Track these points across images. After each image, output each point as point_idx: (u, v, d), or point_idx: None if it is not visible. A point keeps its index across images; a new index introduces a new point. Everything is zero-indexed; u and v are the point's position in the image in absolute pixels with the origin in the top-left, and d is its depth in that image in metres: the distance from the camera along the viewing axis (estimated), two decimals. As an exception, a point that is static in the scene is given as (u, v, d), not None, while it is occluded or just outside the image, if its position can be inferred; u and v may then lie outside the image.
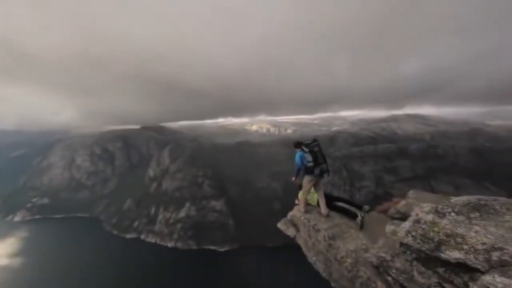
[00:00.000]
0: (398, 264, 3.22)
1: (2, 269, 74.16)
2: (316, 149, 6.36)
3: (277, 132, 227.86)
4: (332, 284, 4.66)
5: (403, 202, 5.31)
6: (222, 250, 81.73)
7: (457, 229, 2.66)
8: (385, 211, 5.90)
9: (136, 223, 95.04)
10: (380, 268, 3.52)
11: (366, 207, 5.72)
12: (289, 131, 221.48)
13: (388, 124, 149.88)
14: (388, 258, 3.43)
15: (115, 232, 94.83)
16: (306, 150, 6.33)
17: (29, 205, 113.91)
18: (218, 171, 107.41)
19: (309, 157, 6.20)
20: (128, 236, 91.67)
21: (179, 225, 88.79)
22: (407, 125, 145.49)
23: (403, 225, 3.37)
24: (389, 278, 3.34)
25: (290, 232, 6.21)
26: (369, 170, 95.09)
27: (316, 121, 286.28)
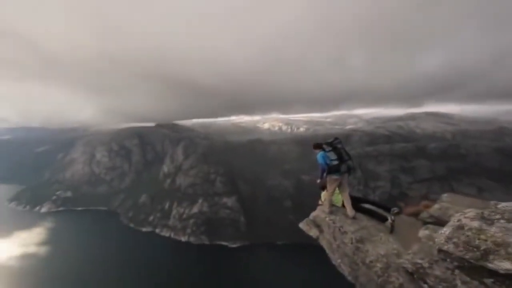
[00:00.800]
0: (437, 272, 3.03)
1: (31, 256, 79.58)
2: (339, 146, 6.25)
3: (289, 130, 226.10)
4: None
5: (436, 206, 5.04)
6: (233, 246, 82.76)
7: (509, 238, 2.45)
8: (414, 215, 5.64)
9: (151, 217, 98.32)
10: (415, 275, 3.34)
11: (395, 210, 5.51)
12: (301, 129, 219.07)
13: (406, 123, 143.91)
14: (426, 265, 3.24)
15: (131, 225, 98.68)
16: (329, 148, 6.22)
17: (54, 197, 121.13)
18: (230, 168, 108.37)
19: (332, 156, 6.07)
20: (144, 229, 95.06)
21: (192, 221, 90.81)
22: (426, 123, 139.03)
23: (442, 231, 3.17)
24: (425, 286, 3.14)
25: (313, 233, 6.02)
26: (384, 169, 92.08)
27: (329, 119, 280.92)
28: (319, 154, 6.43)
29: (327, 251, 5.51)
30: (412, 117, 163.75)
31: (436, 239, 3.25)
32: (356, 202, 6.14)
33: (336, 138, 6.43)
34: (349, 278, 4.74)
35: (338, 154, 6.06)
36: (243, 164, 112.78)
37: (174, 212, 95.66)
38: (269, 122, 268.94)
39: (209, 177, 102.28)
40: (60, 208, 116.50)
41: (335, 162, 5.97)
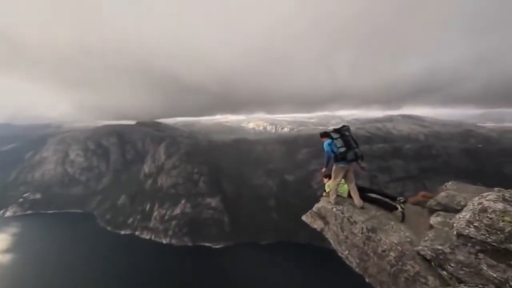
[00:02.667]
0: (460, 256, 3.01)
1: (-8, 264, 72.46)
2: (347, 133, 6.09)
3: (273, 130, 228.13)
4: (367, 279, 4.43)
5: (443, 194, 5.12)
6: (217, 247, 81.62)
7: (534, 219, 2.46)
8: (417, 203, 5.74)
9: (130, 219, 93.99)
10: (434, 262, 3.33)
11: (401, 198, 5.50)
12: (285, 129, 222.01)
13: (384, 124, 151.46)
14: (447, 250, 3.21)
15: (109, 228, 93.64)
16: (336, 136, 6.06)
17: (20, 200, 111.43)
18: (214, 168, 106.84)
19: (339, 143, 5.92)
20: (123, 232, 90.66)
21: (174, 222, 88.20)
22: (402, 125, 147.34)
23: (460, 215, 3.19)
24: (444, 273, 3.14)
25: (318, 225, 5.83)
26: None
27: (312, 120, 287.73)
28: (326, 142, 6.26)
29: (333, 243, 5.38)
30: (390, 119, 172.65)
31: (454, 224, 3.24)
32: (362, 192, 6.08)
33: (344, 126, 6.31)
34: (357, 269, 4.66)
35: (346, 141, 5.92)
36: (227, 163, 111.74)
37: (155, 213, 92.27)
38: (254, 121, 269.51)
39: (192, 177, 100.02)
40: (28, 212, 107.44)
41: (342, 150, 5.84)
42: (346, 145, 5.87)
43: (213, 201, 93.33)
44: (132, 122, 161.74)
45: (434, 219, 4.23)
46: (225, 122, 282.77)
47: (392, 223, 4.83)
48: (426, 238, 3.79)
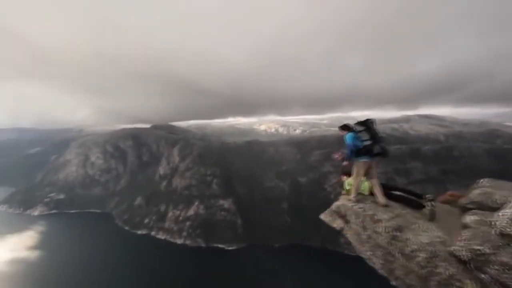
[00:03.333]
0: (504, 258, 2.81)
1: (20, 261, 77.09)
2: (373, 126, 5.78)
3: (285, 132, 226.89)
4: (393, 283, 4.16)
5: (477, 191, 4.80)
6: (230, 248, 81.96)
7: None
8: (445, 202, 5.48)
9: (146, 220, 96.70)
10: (472, 264, 3.10)
11: (430, 196, 5.23)
12: (297, 131, 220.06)
13: (400, 125, 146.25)
14: (488, 251, 3.00)
15: (126, 228, 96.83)
16: (360, 128, 5.78)
17: (46, 200, 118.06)
18: (227, 170, 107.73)
19: (364, 135, 5.64)
20: (139, 232, 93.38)
21: (188, 223, 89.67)
22: (419, 125, 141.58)
23: (502, 213, 3.05)
24: (484, 276, 2.92)
25: (337, 224, 5.61)
26: (379, 171, 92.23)
27: (325, 121, 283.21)
28: (349, 135, 5.99)
29: (354, 243, 5.14)
30: (407, 119, 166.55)
31: (497, 223, 3.08)
32: (386, 189, 5.78)
33: (369, 119, 5.98)
34: (381, 271, 4.41)
35: (372, 134, 5.62)
36: (239, 165, 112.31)
37: (170, 214, 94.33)
38: (266, 124, 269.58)
39: (206, 179, 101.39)
40: (53, 211, 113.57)
41: (368, 143, 5.56)
42: (373, 138, 5.59)
43: (226, 203, 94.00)
44: (147, 126, 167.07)
45: (469, 218, 3.98)
46: (237, 125, 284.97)
47: (420, 221, 4.57)
48: (462, 238, 3.55)
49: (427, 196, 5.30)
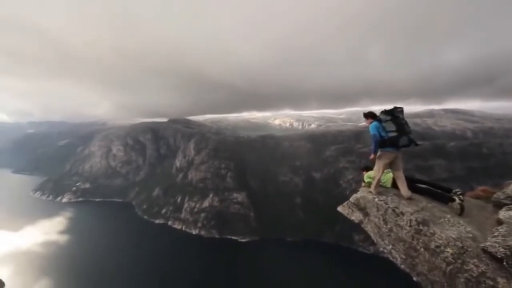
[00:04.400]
0: None
1: (52, 243, 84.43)
2: (401, 115, 5.35)
3: (300, 126, 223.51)
4: (415, 278, 4.02)
5: None
6: (243, 240, 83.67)
7: None
8: (477, 198, 5.18)
9: (164, 210, 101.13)
10: (508, 261, 2.93)
11: (459, 191, 4.88)
12: (313, 125, 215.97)
13: (423, 120, 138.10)
14: None
15: (145, 217, 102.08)
16: (387, 118, 5.39)
17: (74, 188, 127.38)
18: (241, 164, 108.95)
19: (390, 126, 5.27)
20: (157, 221, 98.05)
21: (203, 214, 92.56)
22: (445, 120, 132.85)
23: None
24: None
25: (355, 217, 5.44)
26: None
27: (342, 116, 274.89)
28: (373, 124, 5.61)
29: (373, 236, 4.97)
30: (431, 114, 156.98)
31: None
32: (410, 182, 5.48)
33: (397, 107, 5.52)
34: (402, 266, 4.26)
35: (399, 124, 5.22)
36: (253, 159, 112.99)
37: (185, 205, 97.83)
38: (280, 118, 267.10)
39: (220, 172, 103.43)
40: (80, 199, 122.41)
41: (393, 134, 5.22)
42: (399, 129, 5.22)
43: (240, 196, 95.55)
44: (165, 120, 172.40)
45: (505, 214, 3.73)
46: (252, 119, 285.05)
47: (448, 216, 4.30)
48: (496, 234, 3.35)
49: (456, 190, 4.99)
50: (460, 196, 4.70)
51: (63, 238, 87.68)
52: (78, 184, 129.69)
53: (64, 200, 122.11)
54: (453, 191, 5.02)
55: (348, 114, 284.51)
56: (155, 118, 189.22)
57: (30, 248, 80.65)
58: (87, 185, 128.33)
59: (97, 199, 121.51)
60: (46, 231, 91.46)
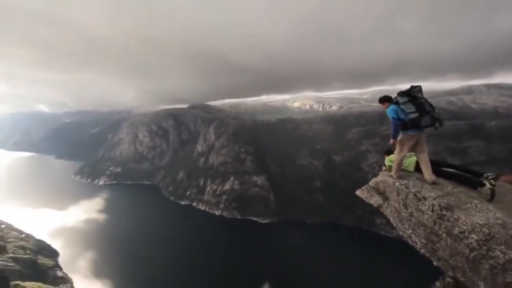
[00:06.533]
0: None
1: (92, 220, 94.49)
2: (419, 94, 5.04)
3: (320, 108, 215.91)
4: (436, 263, 4.00)
5: None
6: (263, 221, 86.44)
7: None
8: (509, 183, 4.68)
9: (188, 192, 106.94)
10: None
11: (490, 175, 4.55)
12: (334, 107, 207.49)
13: (459, 98, 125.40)
14: None
15: (172, 198, 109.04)
16: (404, 100, 5.11)
17: (107, 172, 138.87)
18: (260, 147, 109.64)
19: (409, 108, 4.99)
20: (182, 202, 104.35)
21: (224, 196, 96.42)
22: (486, 97, 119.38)
23: None
24: None
25: (374, 201, 5.31)
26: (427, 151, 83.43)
27: (365, 96, 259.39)
28: (390, 108, 5.36)
29: (393, 220, 4.87)
30: (469, 90, 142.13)
31: None
32: (436, 166, 5.17)
33: (414, 86, 5.21)
34: (422, 250, 4.21)
35: (418, 104, 4.93)
36: (272, 143, 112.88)
37: (208, 188, 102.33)
38: (300, 100, 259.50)
39: (240, 156, 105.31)
40: (113, 182, 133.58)
41: (413, 115, 4.93)
42: (419, 110, 4.91)
43: (259, 180, 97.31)
44: (185, 106, 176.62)
45: None
46: (270, 102, 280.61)
47: (476, 201, 4.07)
48: None
49: (487, 174, 4.61)
50: (492, 181, 4.33)
51: (101, 217, 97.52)
52: (111, 168, 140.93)
53: (100, 182, 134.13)
54: (484, 175, 4.62)
55: (372, 94, 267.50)
56: (176, 105, 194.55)
57: (75, 225, 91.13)
58: (119, 169, 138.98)
59: (128, 182, 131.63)
60: (87, 210, 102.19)
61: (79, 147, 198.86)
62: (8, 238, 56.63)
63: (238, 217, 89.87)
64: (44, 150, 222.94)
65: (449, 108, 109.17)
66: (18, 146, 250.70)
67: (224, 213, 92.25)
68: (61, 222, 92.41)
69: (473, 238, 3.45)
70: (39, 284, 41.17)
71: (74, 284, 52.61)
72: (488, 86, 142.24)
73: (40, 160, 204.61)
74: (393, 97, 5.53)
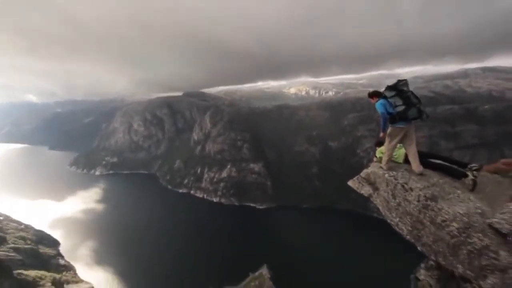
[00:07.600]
0: None
1: (91, 210, 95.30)
2: (405, 88, 5.26)
3: (317, 94, 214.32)
4: (420, 248, 4.30)
5: None
6: (261, 207, 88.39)
7: None
8: (495, 172, 4.94)
9: (186, 180, 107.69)
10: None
11: (474, 166, 4.78)
12: (330, 93, 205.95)
13: (455, 81, 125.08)
14: None
15: (169, 187, 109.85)
16: (391, 94, 5.34)
17: (103, 162, 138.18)
18: (256, 135, 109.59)
19: (397, 101, 5.22)
20: (180, 191, 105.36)
21: (222, 184, 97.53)
22: (481, 81, 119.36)
23: None
24: None
25: (365, 191, 5.59)
26: (422, 135, 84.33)
27: (362, 81, 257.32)
28: (378, 102, 5.56)
29: (382, 209, 5.14)
30: (465, 74, 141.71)
31: None
32: (423, 157, 5.39)
33: (400, 80, 5.42)
34: (408, 237, 4.49)
35: (405, 98, 5.16)
36: (269, 130, 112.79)
37: (205, 176, 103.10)
38: (296, 86, 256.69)
39: (236, 143, 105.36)
40: (110, 172, 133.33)
41: (401, 108, 5.14)
42: (406, 103, 5.12)
43: (256, 167, 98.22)
44: (179, 93, 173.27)
45: None
46: (266, 89, 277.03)
47: (459, 191, 4.30)
48: (505, 211, 3.36)
49: (471, 165, 4.84)
50: (474, 172, 4.60)
51: (100, 207, 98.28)
52: (106, 158, 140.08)
53: (97, 173, 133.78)
54: (469, 166, 4.88)
55: (368, 79, 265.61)
56: (170, 93, 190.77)
57: (73, 215, 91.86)
58: (115, 159, 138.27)
59: (125, 172, 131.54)
60: (85, 201, 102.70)
61: (72, 137, 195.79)
62: (8, 229, 57.09)
63: (236, 203, 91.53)
64: (37, 141, 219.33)
65: (444, 92, 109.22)
66: (8, 138, 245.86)
67: (222, 200, 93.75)
68: (60, 212, 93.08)
69: (454, 226, 3.67)
70: (42, 272, 42.18)
71: (77, 271, 54.01)
72: (484, 69, 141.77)
73: (33, 151, 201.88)
74: (381, 92, 5.70)
